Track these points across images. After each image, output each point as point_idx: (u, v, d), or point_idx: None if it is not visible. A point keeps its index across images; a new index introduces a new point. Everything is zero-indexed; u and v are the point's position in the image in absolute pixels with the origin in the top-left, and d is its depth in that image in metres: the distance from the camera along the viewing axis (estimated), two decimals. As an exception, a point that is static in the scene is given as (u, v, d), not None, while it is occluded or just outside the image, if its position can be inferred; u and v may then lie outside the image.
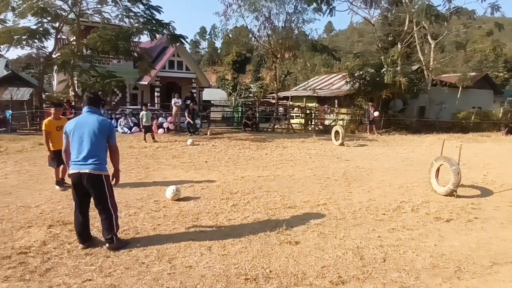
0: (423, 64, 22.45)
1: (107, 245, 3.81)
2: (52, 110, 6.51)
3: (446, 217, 5.26)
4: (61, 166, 6.23)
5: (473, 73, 25.81)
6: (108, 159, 3.94)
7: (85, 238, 3.88)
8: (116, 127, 16.07)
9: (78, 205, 3.88)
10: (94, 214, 4.14)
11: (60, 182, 6.40)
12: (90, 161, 3.73)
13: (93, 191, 3.78)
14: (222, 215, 5.12)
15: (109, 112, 17.91)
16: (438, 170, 6.81)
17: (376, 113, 18.56)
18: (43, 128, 6.34)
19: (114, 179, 3.99)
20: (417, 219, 5.19)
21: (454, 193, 6.36)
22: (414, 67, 23.19)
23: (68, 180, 4.13)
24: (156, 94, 24.11)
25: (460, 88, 23.78)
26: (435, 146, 13.28)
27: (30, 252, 3.74)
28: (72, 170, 3.79)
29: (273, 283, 3.23)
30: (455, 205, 5.89)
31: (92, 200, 3.89)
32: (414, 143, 14.89)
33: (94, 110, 3.96)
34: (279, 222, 4.89)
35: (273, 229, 4.59)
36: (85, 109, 3.98)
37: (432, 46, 22.23)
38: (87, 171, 3.72)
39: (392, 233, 4.60)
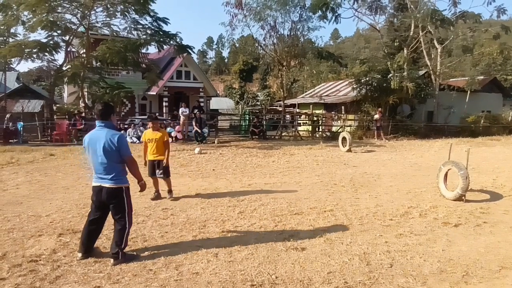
0: (430, 68, 22.35)
1: (112, 261, 3.73)
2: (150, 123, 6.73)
3: (454, 222, 5.22)
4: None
5: (481, 77, 25.58)
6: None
7: (87, 249, 3.87)
8: (126, 136, 16.27)
9: (93, 219, 3.89)
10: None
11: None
12: (110, 175, 3.78)
13: (112, 204, 3.82)
14: (229, 222, 5.15)
15: (119, 122, 18.13)
16: (446, 175, 6.76)
17: (376, 116, 18.52)
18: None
19: (140, 188, 4.10)
20: (425, 224, 5.15)
21: (463, 197, 6.31)
22: (421, 72, 23.10)
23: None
24: (164, 104, 24.37)
25: (469, 92, 23.57)
26: (444, 151, 13.14)
27: (40, 260, 3.81)
28: (94, 183, 3.88)
29: (279, 289, 3.25)
30: (463, 210, 5.84)
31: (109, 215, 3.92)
32: (422, 148, 14.78)
33: (105, 123, 3.85)
34: (286, 228, 4.91)
35: (280, 235, 4.62)
36: (96, 123, 3.94)
37: (439, 50, 22.14)
38: (107, 185, 3.78)
39: (399, 238, 4.58)
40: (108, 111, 3.92)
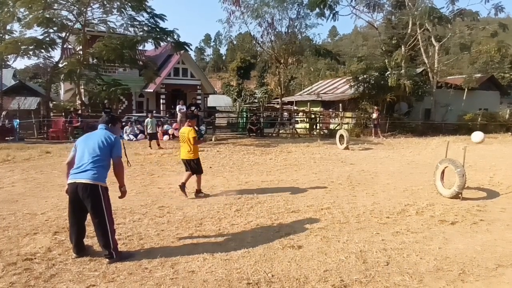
0: (428, 66, 22.36)
1: (107, 260, 3.71)
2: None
3: (451, 220, 5.23)
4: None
5: (479, 75, 25.61)
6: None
7: (79, 249, 3.84)
8: (122, 134, 16.24)
9: (73, 219, 3.81)
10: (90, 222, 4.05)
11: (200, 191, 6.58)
12: (88, 171, 3.67)
13: (89, 203, 3.65)
14: (226, 220, 5.14)
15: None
16: (443, 172, 6.77)
17: (374, 115, 18.52)
18: (194, 135, 6.44)
19: (120, 194, 4.00)
20: (422, 222, 5.15)
21: (460, 195, 6.31)
22: (419, 70, 23.09)
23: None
24: (161, 101, 24.30)
25: (466, 90, 23.60)
26: (441, 149, 13.14)
27: (35, 258, 3.78)
28: (69, 180, 3.76)
29: (275, 287, 3.24)
30: (460, 208, 5.85)
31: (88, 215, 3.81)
32: (419, 146, 14.80)
33: (106, 127, 4.04)
34: (282, 226, 4.90)
35: (276, 233, 4.61)
36: (99, 126, 4.06)
37: (437, 48, 22.15)
38: (83, 180, 3.64)
39: (396, 236, 4.57)
40: (112, 120, 4.19)
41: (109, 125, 4.10)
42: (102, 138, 3.86)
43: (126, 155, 4.31)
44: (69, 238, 3.94)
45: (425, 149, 13.73)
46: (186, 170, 6.63)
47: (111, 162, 3.89)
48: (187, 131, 6.45)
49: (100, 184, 3.71)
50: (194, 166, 6.53)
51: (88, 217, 3.83)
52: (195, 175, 6.55)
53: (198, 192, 6.50)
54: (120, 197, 4.01)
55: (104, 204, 3.71)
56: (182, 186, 6.49)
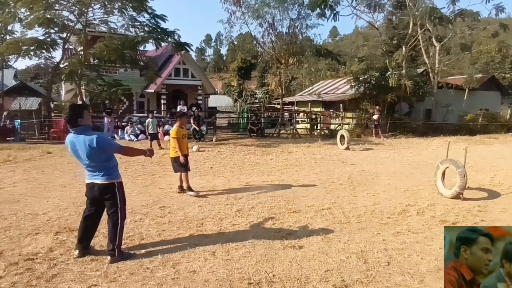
0: (429, 66, 22.36)
1: (108, 258, 3.75)
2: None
3: (452, 220, 5.23)
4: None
5: (480, 75, 25.58)
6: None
7: (84, 247, 3.88)
8: (123, 134, 16.29)
9: (88, 214, 3.94)
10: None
11: (190, 188, 6.70)
12: (101, 173, 3.78)
13: (106, 199, 3.84)
14: (227, 220, 5.15)
15: (116, 120, 18.09)
16: (444, 173, 6.77)
17: (375, 116, 18.49)
18: (173, 135, 6.62)
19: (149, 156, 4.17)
20: (423, 222, 5.16)
21: (461, 195, 6.31)
22: (420, 70, 23.09)
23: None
24: (162, 101, 24.32)
25: (467, 90, 23.58)
26: (442, 149, 13.15)
27: (37, 258, 3.80)
28: (87, 180, 3.88)
29: (276, 287, 3.24)
30: (461, 208, 5.85)
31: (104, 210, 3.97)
32: (420, 146, 14.80)
33: (77, 130, 3.64)
34: (283, 226, 4.90)
35: (277, 233, 4.61)
36: (70, 130, 3.73)
37: (437, 48, 22.15)
38: (99, 181, 3.78)
39: (397, 236, 4.58)
40: (75, 115, 3.65)
41: (78, 121, 3.62)
42: (85, 149, 3.61)
43: None
44: (77, 233, 3.99)
45: (426, 150, 13.73)
46: None
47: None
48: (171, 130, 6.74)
49: (115, 181, 3.85)
50: (172, 164, 6.76)
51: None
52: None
53: (180, 188, 6.69)
54: (151, 157, 4.21)
55: (119, 200, 3.86)
56: (180, 189, 6.75)
